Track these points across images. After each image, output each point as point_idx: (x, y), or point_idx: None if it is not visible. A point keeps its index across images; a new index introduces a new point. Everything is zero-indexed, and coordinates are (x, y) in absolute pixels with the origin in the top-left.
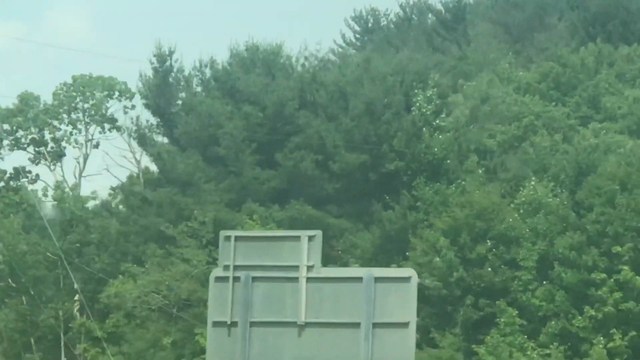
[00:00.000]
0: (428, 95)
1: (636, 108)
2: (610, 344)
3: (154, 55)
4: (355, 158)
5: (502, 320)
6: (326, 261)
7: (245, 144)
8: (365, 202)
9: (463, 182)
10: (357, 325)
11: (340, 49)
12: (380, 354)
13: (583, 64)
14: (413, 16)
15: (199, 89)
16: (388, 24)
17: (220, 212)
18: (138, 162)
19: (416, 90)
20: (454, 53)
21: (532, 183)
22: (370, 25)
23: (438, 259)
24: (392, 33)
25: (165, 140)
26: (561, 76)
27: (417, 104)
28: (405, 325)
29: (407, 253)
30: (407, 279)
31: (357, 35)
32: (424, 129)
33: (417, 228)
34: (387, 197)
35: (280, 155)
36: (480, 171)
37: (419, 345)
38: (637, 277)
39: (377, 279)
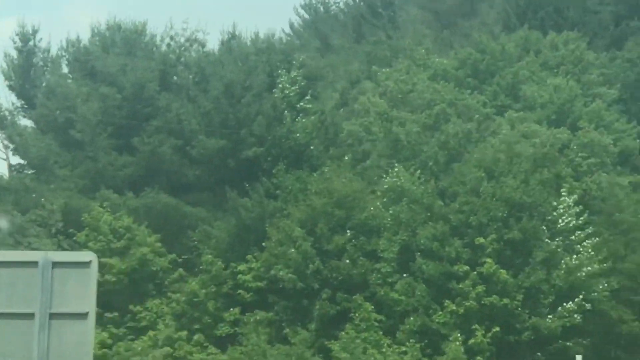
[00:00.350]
0: (292, 76)
1: (557, 97)
2: (472, 341)
3: (17, 35)
4: (214, 143)
5: (358, 315)
6: (182, 252)
7: (101, 127)
8: (224, 189)
9: (325, 169)
10: (32, 316)
11: (288, 38)
12: (56, 349)
13: (503, 51)
14: (361, 3)
15: (66, 70)
16: (338, 12)
17: (73, 199)
18: (6, 147)
19: (280, 71)
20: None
21: (396, 170)
22: (320, 14)
23: (293, 250)
24: (322, 20)
25: (31, 123)
26: (479, 63)
27: (280, 86)
28: (84, 316)
29: (263, 244)
30: (87, 264)
31: (306, 25)
32: (286, 112)
33: (275, 217)
34: (247, 185)
35: (137, 139)
36: (346, 158)
37: (270, 342)
38: (501, 270)
39: (55, 264)
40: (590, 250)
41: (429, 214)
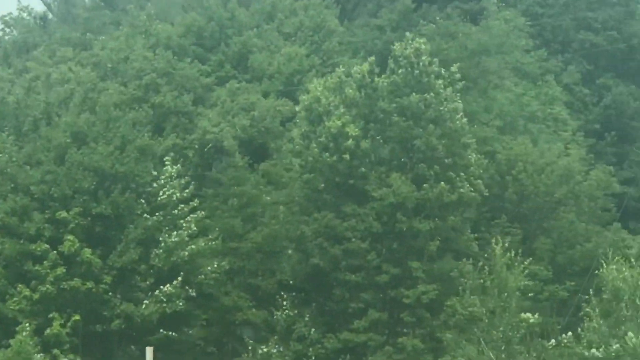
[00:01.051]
0: None
1: (286, 67)
2: (48, 331)
3: None
4: None
5: None
6: None
7: None
8: None
9: None
10: None
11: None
12: None
13: (233, 18)
14: None
15: None
16: None
17: None
18: None
19: None
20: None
21: None
22: None
23: None
24: None
25: None
26: (203, 30)
27: None
28: None
29: None
30: None
31: None
32: None
33: None
34: None
35: None
36: None
37: None
38: (86, 248)
39: None
40: (193, 227)
41: (12, 185)
